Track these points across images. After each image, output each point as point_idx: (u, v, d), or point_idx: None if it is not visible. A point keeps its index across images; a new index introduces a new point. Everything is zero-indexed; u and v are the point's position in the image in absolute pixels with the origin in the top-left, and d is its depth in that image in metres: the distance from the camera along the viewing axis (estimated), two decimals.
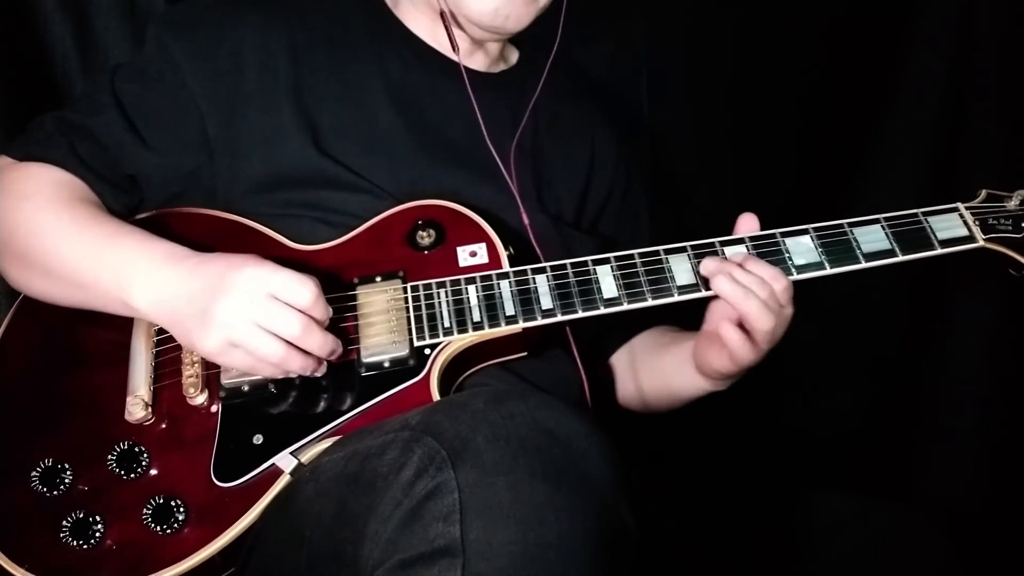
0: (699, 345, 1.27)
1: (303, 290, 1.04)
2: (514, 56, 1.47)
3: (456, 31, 1.31)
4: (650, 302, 1.16)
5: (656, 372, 1.41)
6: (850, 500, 1.60)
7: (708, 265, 1.16)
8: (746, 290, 1.13)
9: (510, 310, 1.14)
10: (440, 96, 1.32)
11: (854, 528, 1.51)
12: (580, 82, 1.55)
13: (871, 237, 1.20)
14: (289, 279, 1.05)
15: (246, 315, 1.03)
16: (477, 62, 1.39)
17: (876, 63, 2.11)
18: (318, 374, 1.10)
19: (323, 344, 1.07)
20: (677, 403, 1.40)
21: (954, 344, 2.16)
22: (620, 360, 1.48)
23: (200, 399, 1.11)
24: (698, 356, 1.27)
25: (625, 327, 1.47)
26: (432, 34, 1.35)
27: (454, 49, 1.29)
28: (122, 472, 1.07)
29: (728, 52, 2.07)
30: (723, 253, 1.18)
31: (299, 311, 1.04)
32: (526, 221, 1.24)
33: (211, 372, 1.12)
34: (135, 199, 1.26)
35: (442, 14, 1.28)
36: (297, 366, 1.06)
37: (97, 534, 1.04)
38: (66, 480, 1.07)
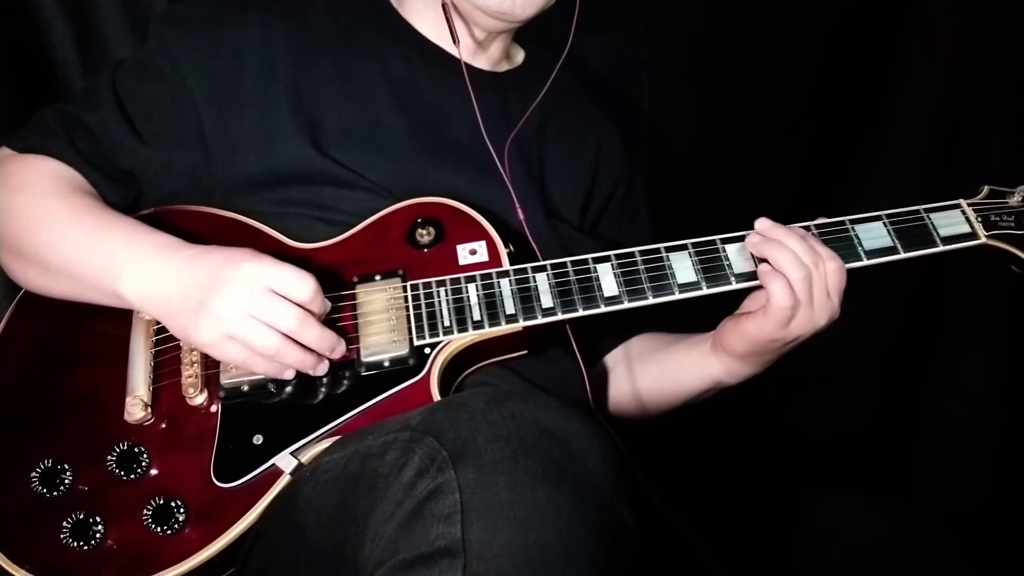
0: (727, 321, 1.26)
1: (302, 284, 1.04)
2: (519, 56, 1.47)
3: (461, 25, 1.31)
4: (651, 300, 1.16)
5: (661, 366, 1.40)
6: (850, 500, 1.60)
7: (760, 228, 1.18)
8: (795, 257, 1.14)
9: (510, 309, 1.14)
10: (443, 94, 1.32)
11: (854, 528, 1.51)
12: (584, 81, 1.55)
13: (873, 234, 1.20)
14: (288, 273, 1.05)
15: (243, 307, 1.03)
16: (481, 61, 1.38)
17: (877, 59, 2.11)
18: (318, 372, 1.09)
19: (320, 338, 1.07)
20: (679, 399, 1.39)
21: (954, 343, 2.16)
22: (615, 360, 1.47)
23: (200, 399, 1.11)
24: (723, 332, 1.26)
25: (622, 327, 1.47)
26: (437, 31, 1.34)
27: (454, 41, 1.28)
28: (122, 472, 1.06)
29: (729, 49, 2.07)
30: (724, 250, 1.18)
31: (296, 305, 1.04)
32: (520, 216, 1.23)
33: (210, 372, 1.12)
34: (133, 193, 1.26)
35: (444, 5, 1.28)
36: (294, 360, 1.06)
37: (97, 535, 1.03)
38: (66, 481, 1.06)
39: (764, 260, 1.17)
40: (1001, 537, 1.89)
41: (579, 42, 1.33)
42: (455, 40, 1.28)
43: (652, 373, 1.42)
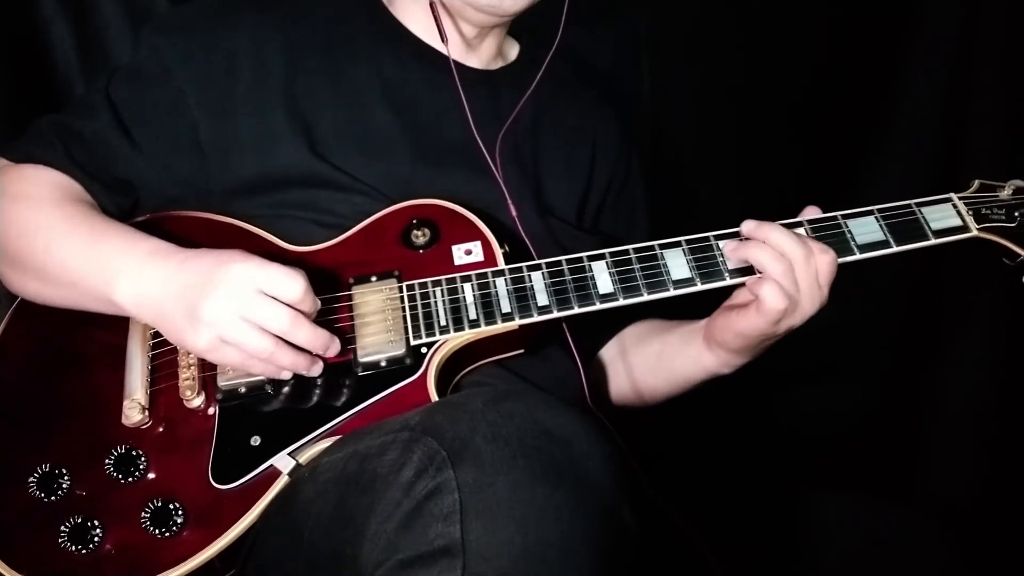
0: (718, 316, 1.26)
1: (292, 284, 1.04)
2: (513, 52, 1.47)
3: (450, 23, 1.31)
4: (646, 297, 1.16)
5: (656, 356, 1.40)
6: (850, 500, 1.60)
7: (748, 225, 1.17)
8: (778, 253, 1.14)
9: (506, 307, 1.14)
10: (436, 94, 1.32)
11: (854, 528, 1.51)
12: (582, 75, 1.55)
13: (865, 228, 1.20)
14: (277, 273, 1.05)
15: (234, 311, 1.03)
16: (474, 60, 1.39)
17: (878, 57, 2.12)
18: (313, 373, 1.10)
19: (313, 337, 1.07)
20: (676, 389, 1.39)
21: (954, 342, 2.16)
22: (610, 352, 1.48)
23: (197, 402, 1.11)
24: (714, 327, 1.26)
25: (617, 323, 1.47)
26: (429, 31, 1.34)
27: (442, 39, 1.28)
28: (120, 476, 1.06)
29: (730, 45, 2.08)
30: (718, 247, 1.18)
31: (287, 305, 1.05)
32: (513, 213, 1.23)
33: (207, 374, 1.12)
34: (129, 201, 1.26)
35: (431, 3, 1.28)
36: (288, 361, 1.06)
37: (96, 538, 1.03)
38: (64, 485, 1.06)
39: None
40: (1002, 536, 1.88)
41: (578, 37, 1.32)
42: (443, 38, 1.28)
43: (647, 363, 1.42)
